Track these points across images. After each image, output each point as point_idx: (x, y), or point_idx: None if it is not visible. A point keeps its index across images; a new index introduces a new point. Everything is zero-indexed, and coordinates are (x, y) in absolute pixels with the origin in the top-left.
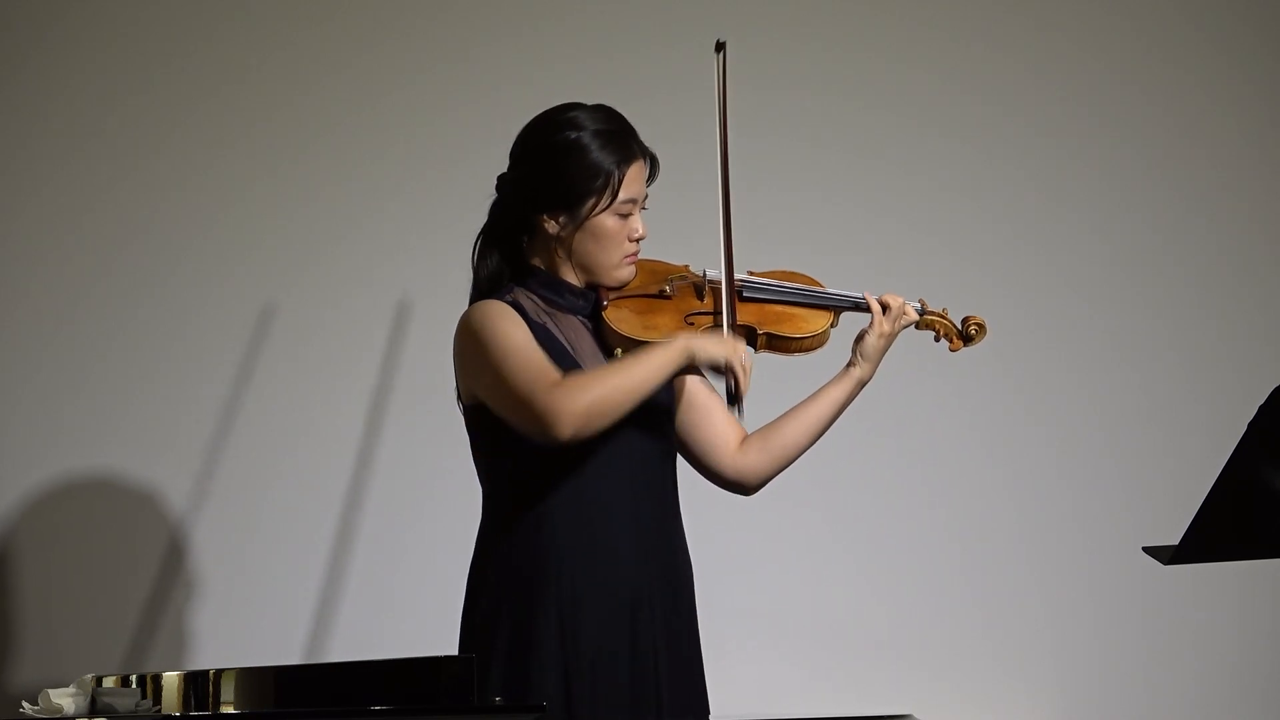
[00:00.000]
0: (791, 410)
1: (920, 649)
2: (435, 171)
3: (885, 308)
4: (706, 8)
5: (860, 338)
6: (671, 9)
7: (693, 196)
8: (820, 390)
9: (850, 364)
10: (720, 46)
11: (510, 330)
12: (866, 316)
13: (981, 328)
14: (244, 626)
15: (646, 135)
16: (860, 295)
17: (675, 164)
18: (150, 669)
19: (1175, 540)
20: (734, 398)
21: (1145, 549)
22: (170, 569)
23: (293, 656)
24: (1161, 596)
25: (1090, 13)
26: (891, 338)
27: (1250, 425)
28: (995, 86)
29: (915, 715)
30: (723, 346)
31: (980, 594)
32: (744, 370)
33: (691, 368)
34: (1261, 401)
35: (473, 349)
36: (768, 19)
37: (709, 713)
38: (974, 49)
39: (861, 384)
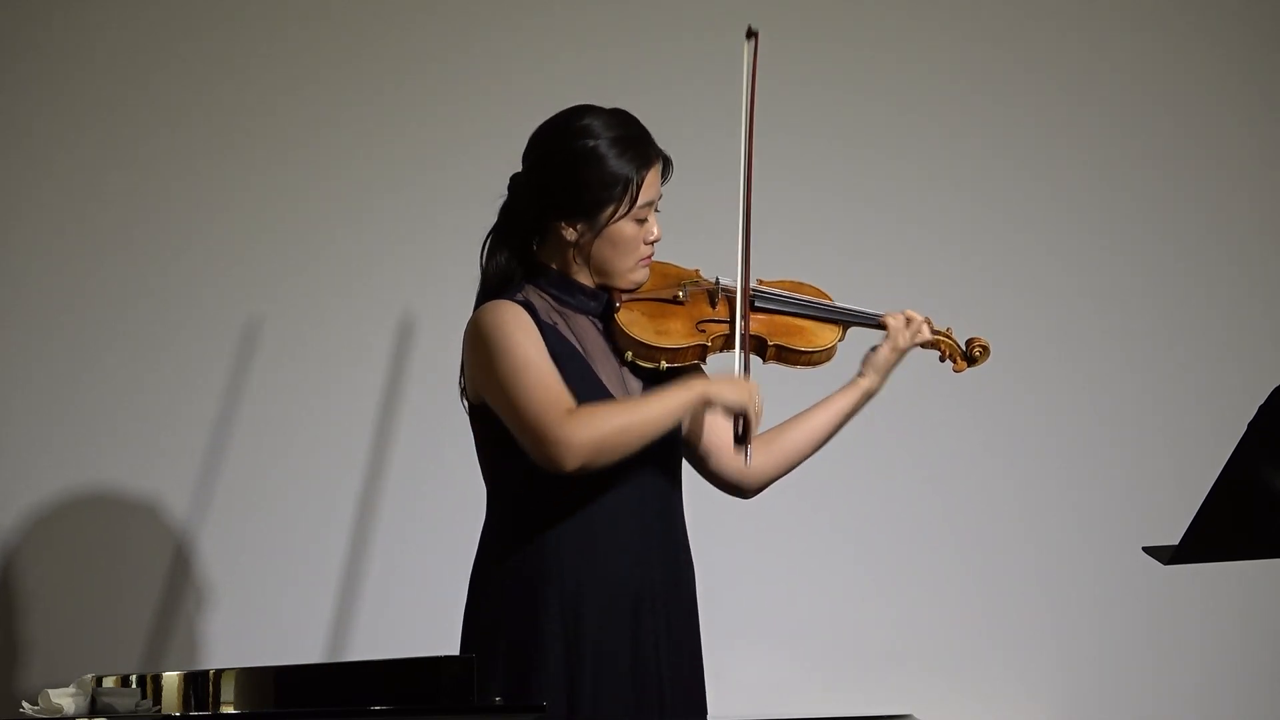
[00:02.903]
0: (795, 417)
1: (921, 649)
2: (435, 169)
3: (899, 323)
4: (724, 4)
5: (873, 349)
6: (686, 4)
7: (708, 197)
8: (826, 399)
9: (859, 374)
10: (752, 34)
11: (523, 341)
12: (876, 332)
13: (985, 350)
14: (246, 631)
15: (661, 133)
16: (874, 313)
17: (691, 163)
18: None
19: (1175, 540)
20: (742, 439)
21: (1145, 549)
22: (171, 574)
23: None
24: (1162, 597)
25: (1094, 13)
26: (903, 353)
27: (1250, 425)
28: (998, 87)
29: (915, 715)
30: (740, 391)
31: (981, 594)
32: (756, 415)
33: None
34: (1261, 401)
35: (484, 354)
36: (781, 15)
37: (707, 713)
38: (977, 49)
39: (868, 395)
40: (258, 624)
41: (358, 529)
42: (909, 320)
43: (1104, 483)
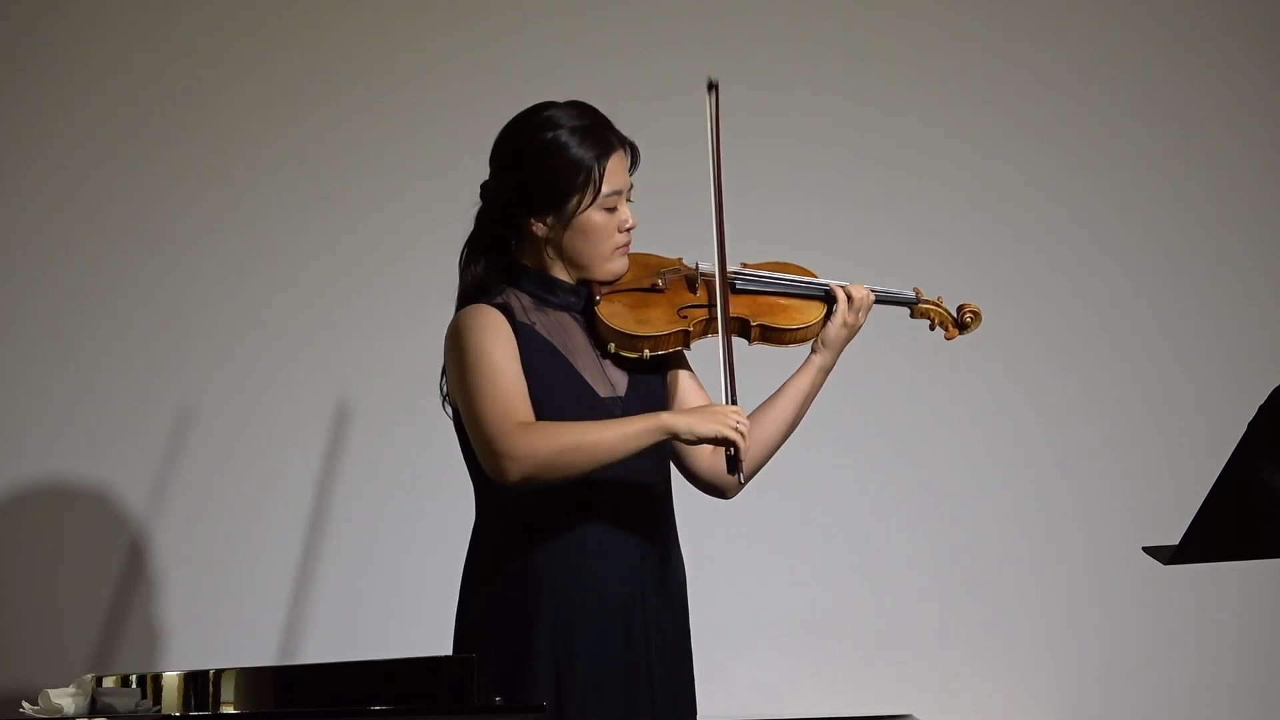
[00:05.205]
0: (760, 407)
1: (920, 649)
2: (434, 174)
3: (850, 298)
4: (700, 6)
5: (824, 326)
6: (665, 7)
7: (687, 194)
8: (786, 383)
9: (813, 351)
10: (712, 86)
11: (491, 348)
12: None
13: (976, 315)
14: (223, 624)
15: (641, 134)
16: (824, 283)
17: (669, 163)
18: (136, 669)
19: (1175, 540)
20: (734, 464)
21: (1145, 549)
22: (126, 570)
23: (287, 654)
24: (1161, 597)
25: (1088, 10)
26: (854, 329)
27: (1250, 425)
28: (992, 83)
29: (915, 715)
30: (713, 420)
31: (980, 594)
32: (742, 435)
33: (679, 366)
34: (1261, 401)
35: (456, 357)
36: (762, 15)
37: (696, 714)
38: (971, 46)
39: (824, 372)
40: (236, 619)
41: (349, 528)
42: (855, 295)
43: (1104, 483)
